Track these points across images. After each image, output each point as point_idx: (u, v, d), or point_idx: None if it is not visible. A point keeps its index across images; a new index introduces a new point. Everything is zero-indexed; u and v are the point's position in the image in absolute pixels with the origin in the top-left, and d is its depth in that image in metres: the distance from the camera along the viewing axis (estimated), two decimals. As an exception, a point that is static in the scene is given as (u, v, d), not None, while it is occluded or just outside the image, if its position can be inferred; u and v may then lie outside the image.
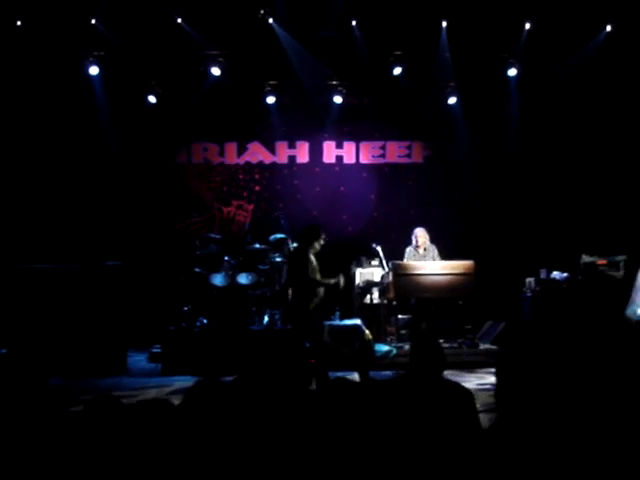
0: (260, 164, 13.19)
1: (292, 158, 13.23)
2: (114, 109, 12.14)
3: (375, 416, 2.50)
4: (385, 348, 10.47)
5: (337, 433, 2.61)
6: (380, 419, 2.44)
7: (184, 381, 9.19)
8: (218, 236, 11.89)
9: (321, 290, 8.24)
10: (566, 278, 10.77)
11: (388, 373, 9.50)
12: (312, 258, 8.18)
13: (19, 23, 10.92)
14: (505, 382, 2.37)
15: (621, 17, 11.16)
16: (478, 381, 9.28)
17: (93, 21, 10.98)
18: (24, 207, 12.10)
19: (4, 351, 9.36)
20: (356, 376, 9.15)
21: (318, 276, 8.23)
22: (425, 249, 11.02)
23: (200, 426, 2.45)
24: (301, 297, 8.21)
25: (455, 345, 10.52)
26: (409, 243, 11.20)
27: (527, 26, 11.42)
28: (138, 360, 11.05)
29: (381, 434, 2.37)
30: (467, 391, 2.51)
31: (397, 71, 11.81)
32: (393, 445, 2.27)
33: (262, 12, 11.21)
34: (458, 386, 2.53)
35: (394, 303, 10.90)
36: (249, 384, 2.74)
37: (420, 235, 10.98)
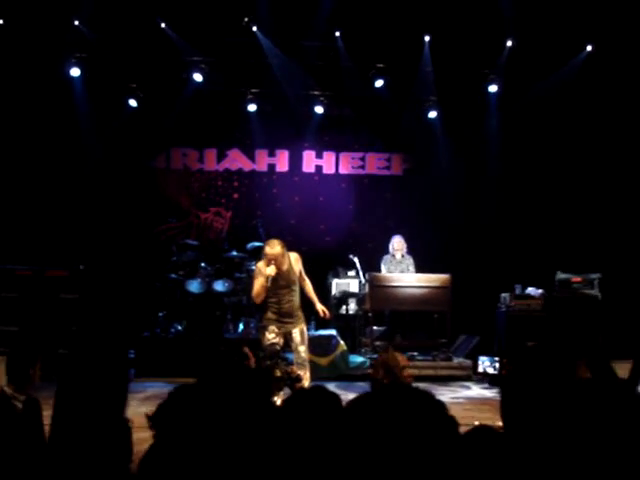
0: (239, 171, 13.15)
1: (272, 166, 13.20)
2: (94, 111, 12.05)
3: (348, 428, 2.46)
4: (359, 359, 10.49)
5: (307, 445, 2.61)
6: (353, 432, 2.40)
7: (157, 387, 9.15)
8: (195, 242, 11.85)
9: None
10: (541, 294, 10.86)
11: (362, 384, 9.51)
12: None
13: (1, 22, 10.84)
14: (510, 397, 2.38)
15: (602, 38, 11.28)
16: (452, 394, 9.34)
17: (76, 22, 10.92)
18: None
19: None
20: (330, 386, 9.15)
21: None
22: (402, 256, 11.16)
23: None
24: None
25: (429, 358, 10.55)
26: (386, 254, 11.31)
27: (509, 43, 11.53)
28: (110, 365, 10.94)
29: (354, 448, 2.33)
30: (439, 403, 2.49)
31: (379, 83, 11.83)
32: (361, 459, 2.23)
33: (246, 20, 11.21)
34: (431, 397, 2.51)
35: (370, 314, 10.92)
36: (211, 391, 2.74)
37: (397, 242, 11.17)
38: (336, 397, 2.91)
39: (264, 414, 2.81)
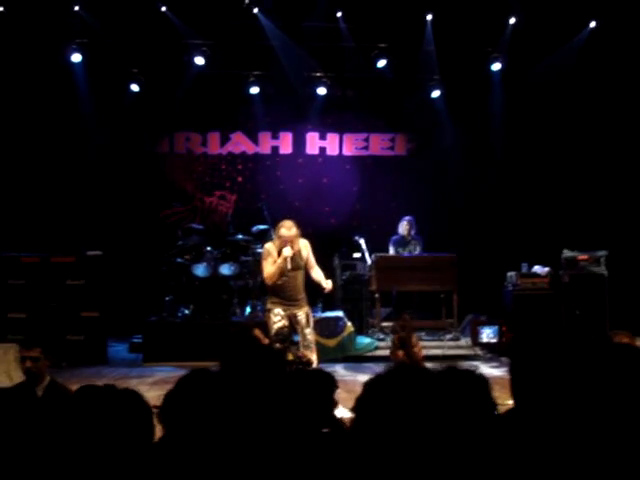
0: (243, 154, 13.12)
1: (275, 149, 13.17)
2: (96, 97, 12.00)
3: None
4: (367, 340, 10.51)
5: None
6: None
7: (165, 371, 9.18)
8: (200, 226, 11.84)
9: None
10: (547, 272, 10.86)
11: (369, 365, 9.55)
12: None
13: (1, 9, 10.79)
14: (520, 374, 2.36)
15: (605, 14, 11.20)
16: (459, 374, 9.33)
17: (76, 8, 10.88)
18: (4, 196, 11.96)
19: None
20: (338, 368, 9.20)
21: None
22: (411, 237, 11.17)
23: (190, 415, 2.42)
24: None
25: (436, 338, 10.57)
26: (391, 235, 11.30)
27: (512, 21, 11.46)
28: (119, 350, 11.02)
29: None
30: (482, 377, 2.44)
31: (381, 63, 11.78)
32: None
33: (247, 2, 11.15)
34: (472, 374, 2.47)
35: (376, 295, 10.91)
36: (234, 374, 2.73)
37: (406, 224, 11.16)
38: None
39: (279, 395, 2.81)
